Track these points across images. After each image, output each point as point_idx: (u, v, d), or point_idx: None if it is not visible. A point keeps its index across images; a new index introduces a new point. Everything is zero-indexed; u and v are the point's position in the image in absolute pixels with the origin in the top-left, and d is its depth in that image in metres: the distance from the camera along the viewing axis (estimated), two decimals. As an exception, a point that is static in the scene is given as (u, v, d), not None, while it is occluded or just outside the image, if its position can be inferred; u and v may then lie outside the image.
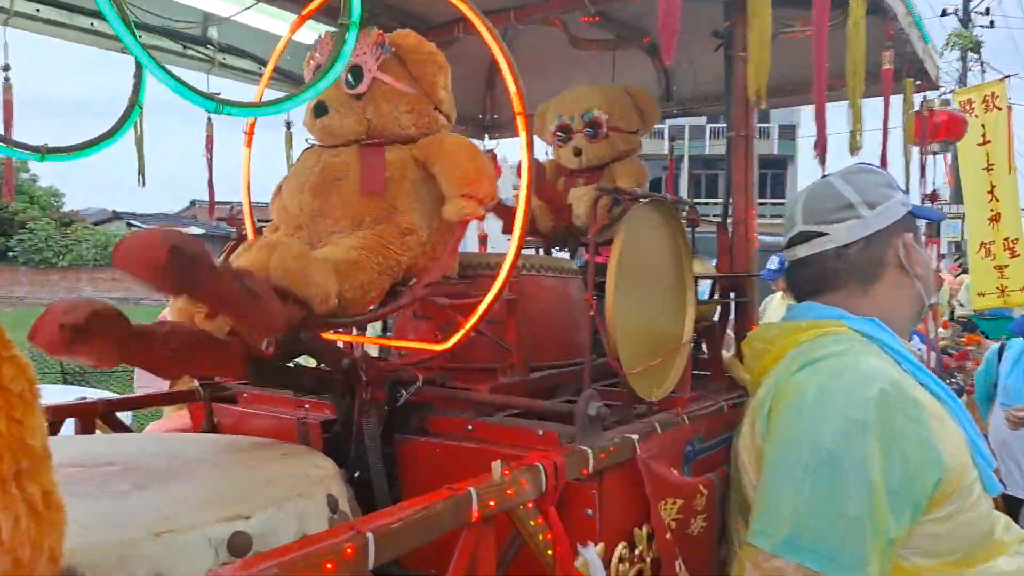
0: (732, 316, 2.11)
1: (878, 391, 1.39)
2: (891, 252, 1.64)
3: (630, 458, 1.43)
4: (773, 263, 1.84)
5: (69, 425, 1.77)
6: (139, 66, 1.70)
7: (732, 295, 2.09)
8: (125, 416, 2.07)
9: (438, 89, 1.71)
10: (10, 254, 24.46)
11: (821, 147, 1.20)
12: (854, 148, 1.73)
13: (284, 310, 1.33)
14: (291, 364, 1.59)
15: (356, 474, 1.61)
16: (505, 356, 1.78)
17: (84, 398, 1.85)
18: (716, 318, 2.11)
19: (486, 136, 3.91)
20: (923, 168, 2.72)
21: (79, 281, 23.67)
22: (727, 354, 2.14)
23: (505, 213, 1.95)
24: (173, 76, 1.12)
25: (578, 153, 2.65)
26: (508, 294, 1.77)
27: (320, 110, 1.66)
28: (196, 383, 1.97)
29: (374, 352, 2.10)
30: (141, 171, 2.25)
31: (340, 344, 1.70)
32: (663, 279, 1.73)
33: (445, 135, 1.72)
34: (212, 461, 1.35)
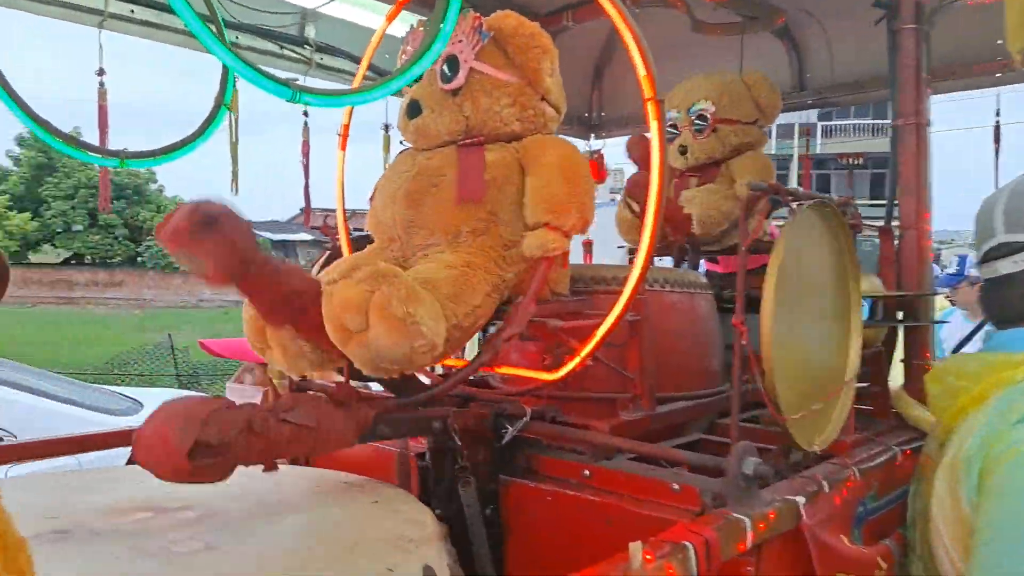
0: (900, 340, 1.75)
1: None
2: None
3: (794, 527, 1.14)
4: (951, 264, 1.47)
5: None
6: (225, 66, 1.56)
7: (900, 315, 1.74)
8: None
9: (543, 76, 1.47)
10: (139, 259, 26.32)
11: None
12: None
13: (350, 420, 1.14)
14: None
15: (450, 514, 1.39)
16: (627, 386, 1.52)
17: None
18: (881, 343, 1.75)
19: (591, 136, 3.65)
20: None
21: (199, 284, 25.13)
22: (894, 386, 1.79)
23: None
24: (247, 63, 0.94)
25: (683, 151, 2.35)
26: (631, 314, 1.50)
27: (413, 110, 1.45)
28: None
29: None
30: (235, 178, 2.14)
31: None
32: (825, 299, 1.41)
33: (551, 141, 1.47)
34: (297, 506, 1.17)
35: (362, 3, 2.16)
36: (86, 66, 2.07)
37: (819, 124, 31.01)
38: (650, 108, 1.31)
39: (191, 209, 0.94)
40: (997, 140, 2.58)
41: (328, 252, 1.93)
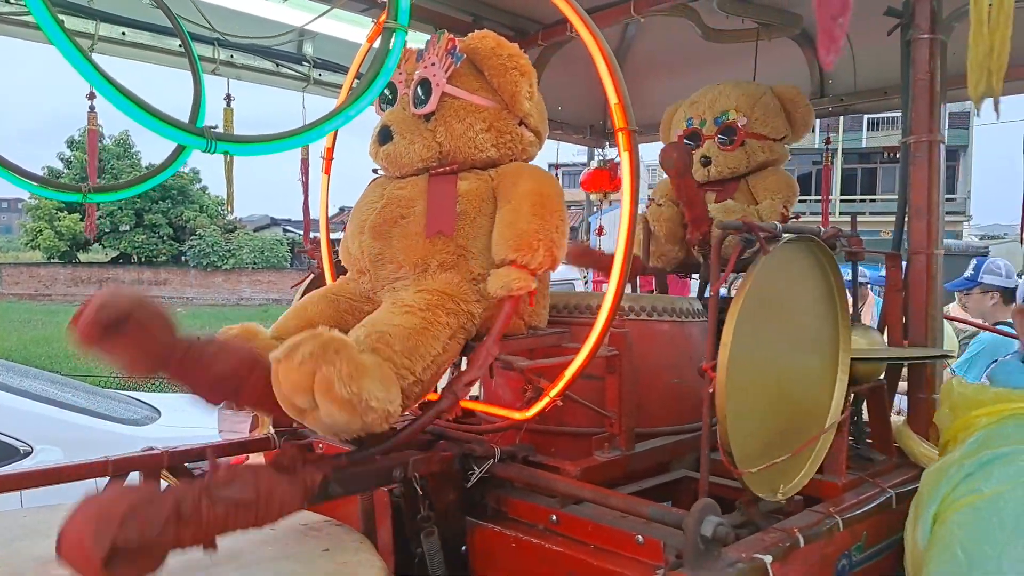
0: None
1: None
2: None
3: (761, 587, 1.07)
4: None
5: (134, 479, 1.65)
6: (196, 93, 1.54)
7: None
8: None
9: (521, 99, 1.41)
10: (183, 258, 26.94)
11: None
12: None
13: (295, 486, 1.07)
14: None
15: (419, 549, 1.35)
16: (604, 424, 1.46)
17: (151, 448, 1.72)
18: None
19: (606, 144, 3.57)
20: None
21: (239, 283, 25.59)
22: (897, 420, 1.69)
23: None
24: (151, 112, 0.89)
25: (707, 163, 2.24)
26: (608, 349, 1.44)
27: (384, 136, 1.41)
28: (271, 431, 1.80)
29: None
30: (229, 201, 2.13)
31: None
32: (809, 335, 1.33)
33: (526, 171, 1.41)
34: (241, 555, 1.14)
35: (353, 20, 2.13)
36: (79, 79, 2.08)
37: (865, 116, 30.09)
38: (621, 139, 1.25)
39: (98, 307, 0.90)
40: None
41: (312, 275, 1.90)
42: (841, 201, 29.38)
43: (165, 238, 27.53)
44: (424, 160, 1.41)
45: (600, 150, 3.61)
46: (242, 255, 26.08)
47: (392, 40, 1.03)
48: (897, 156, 1.78)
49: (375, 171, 1.51)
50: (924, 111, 1.68)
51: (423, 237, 1.34)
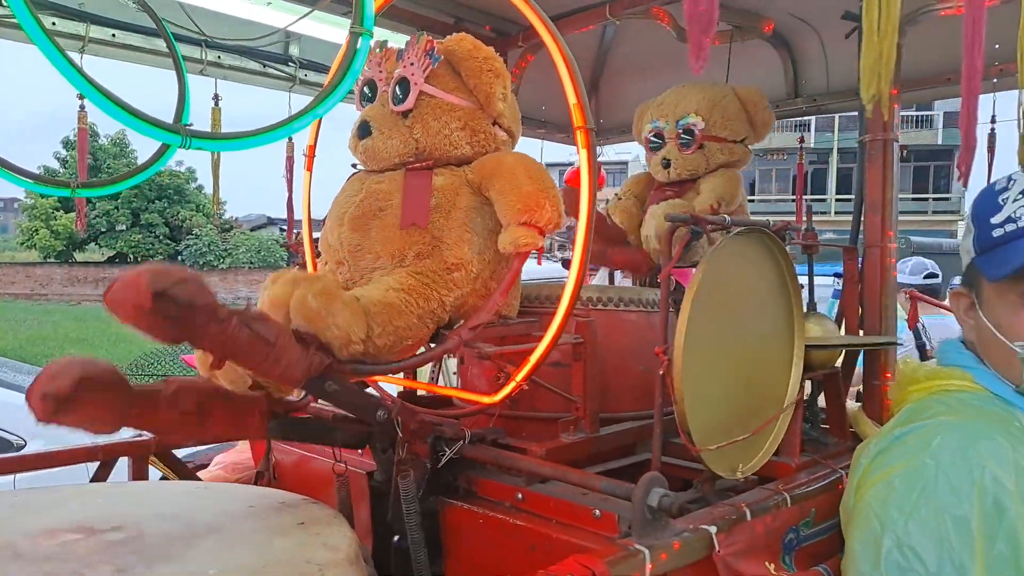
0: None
1: (988, 478, 1.05)
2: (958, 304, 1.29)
3: (706, 556, 1.14)
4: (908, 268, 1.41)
5: (123, 464, 1.72)
6: (181, 89, 1.61)
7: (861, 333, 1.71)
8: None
9: (495, 100, 1.49)
10: (179, 258, 27.02)
11: (965, 161, 0.84)
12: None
13: (304, 358, 1.16)
14: (323, 418, 1.43)
15: (397, 538, 1.43)
16: (570, 409, 1.53)
17: (140, 435, 1.79)
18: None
19: (591, 142, 3.65)
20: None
21: (236, 283, 25.66)
22: (853, 405, 1.77)
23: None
24: (128, 110, 0.96)
25: (667, 165, 2.31)
26: (573, 337, 1.52)
27: (363, 130, 1.48)
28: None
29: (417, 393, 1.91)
30: (215, 200, 2.20)
31: (376, 395, 1.51)
32: (764, 324, 1.41)
33: (504, 152, 1.50)
34: (221, 528, 1.21)
35: (336, 22, 2.20)
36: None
37: (860, 115, 30.08)
38: (580, 136, 1.32)
39: (48, 379, 0.92)
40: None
41: (297, 267, 1.97)
42: (837, 200, 29.48)
43: (161, 237, 27.59)
44: (401, 155, 1.48)
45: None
46: (238, 255, 26.14)
47: (359, 43, 1.10)
48: (904, 155, 1.86)
49: (354, 165, 1.59)
50: (879, 112, 1.76)
51: (399, 229, 1.41)
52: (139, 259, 27.55)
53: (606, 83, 3.38)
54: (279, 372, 1.13)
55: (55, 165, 27.31)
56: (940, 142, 30.47)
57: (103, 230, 26.85)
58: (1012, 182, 1.23)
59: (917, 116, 28.64)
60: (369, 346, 1.28)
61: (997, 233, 1.19)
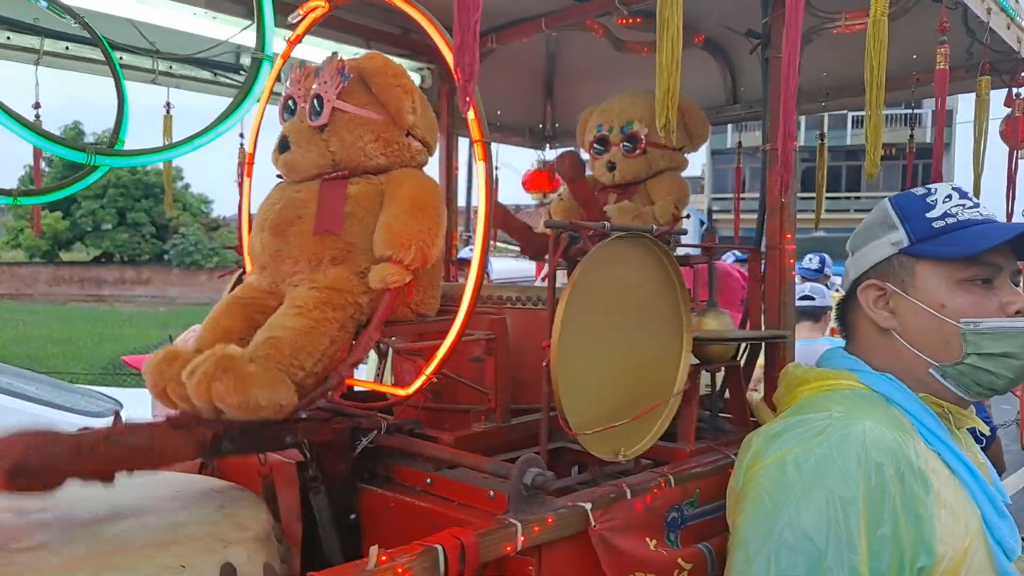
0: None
1: (873, 463, 1.17)
2: (858, 304, 1.42)
3: (583, 530, 1.27)
4: (812, 262, 1.55)
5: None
6: (120, 103, 1.72)
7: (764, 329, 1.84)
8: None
9: (404, 113, 1.60)
10: (165, 257, 27.00)
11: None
12: (870, 170, 1.44)
13: (188, 439, 1.28)
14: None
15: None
16: (483, 400, 1.65)
17: (87, 429, 1.89)
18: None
19: (546, 146, 3.77)
20: (1011, 177, 2.30)
21: (222, 282, 25.69)
22: (755, 395, 1.89)
23: (525, 234, 1.81)
24: (39, 132, 1.08)
25: (612, 168, 2.45)
26: (485, 333, 1.64)
27: (283, 145, 1.60)
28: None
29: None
30: (168, 205, 2.31)
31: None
32: (654, 318, 1.53)
33: (409, 175, 1.60)
34: (145, 510, 1.32)
35: (281, 35, 2.30)
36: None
37: (849, 114, 30.41)
38: (477, 149, 1.44)
39: None
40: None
41: (241, 270, 2.07)
42: (827, 199, 29.72)
43: (148, 236, 27.53)
44: (319, 167, 1.60)
45: (540, 152, 3.81)
46: (226, 254, 26.14)
47: (260, 68, 1.22)
48: (892, 153, 1.99)
49: (279, 176, 1.70)
50: (778, 122, 1.89)
51: (314, 235, 1.52)
52: (125, 259, 27.50)
53: (559, 89, 3.50)
54: (172, 460, 1.28)
55: (42, 166, 27.22)
56: (929, 140, 30.63)
57: (89, 229, 26.78)
58: (933, 191, 1.38)
59: (906, 115, 28.88)
60: (309, 378, 1.40)
61: (938, 224, 1.32)
